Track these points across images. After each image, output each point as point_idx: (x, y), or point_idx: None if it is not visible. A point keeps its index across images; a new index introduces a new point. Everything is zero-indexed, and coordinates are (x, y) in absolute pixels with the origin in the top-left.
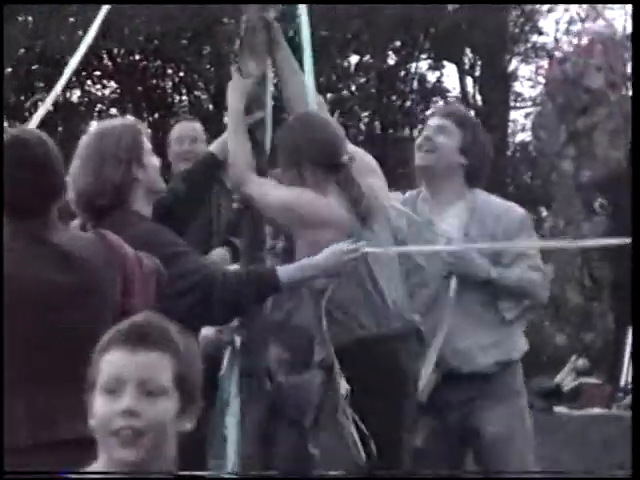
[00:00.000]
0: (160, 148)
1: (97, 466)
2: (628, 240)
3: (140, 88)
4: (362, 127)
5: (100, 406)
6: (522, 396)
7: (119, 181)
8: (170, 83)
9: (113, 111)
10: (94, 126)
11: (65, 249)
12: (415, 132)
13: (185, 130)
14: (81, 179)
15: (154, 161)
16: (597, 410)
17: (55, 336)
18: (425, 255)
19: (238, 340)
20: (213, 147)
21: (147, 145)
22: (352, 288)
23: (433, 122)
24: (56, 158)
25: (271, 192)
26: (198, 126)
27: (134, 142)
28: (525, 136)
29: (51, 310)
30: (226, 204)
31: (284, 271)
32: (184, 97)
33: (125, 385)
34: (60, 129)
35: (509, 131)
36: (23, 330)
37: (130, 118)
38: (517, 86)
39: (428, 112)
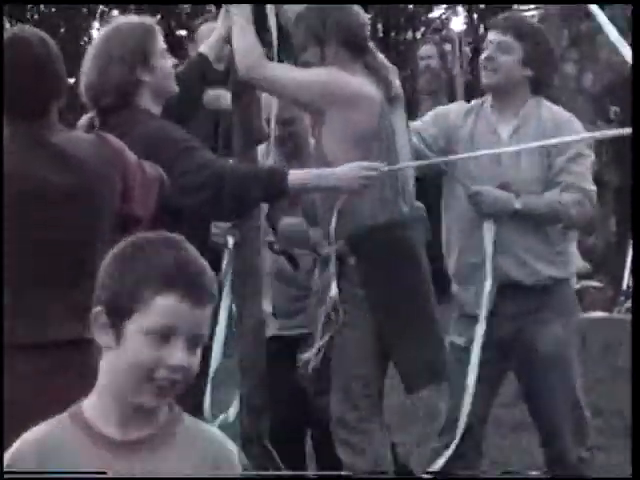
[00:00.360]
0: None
1: (94, 400)
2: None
3: None
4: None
5: (144, 348)
6: (575, 312)
7: (121, 82)
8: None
9: (115, 12)
10: (111, 23)
11: (64, 150)
12: (418, 34)
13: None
14: (88, 77)
15: (165, 63)
16: (598, 313)
17: (50, 237)
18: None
19: (231, 241)
20: (203, 49)
21: (159, 46)
22: None
23: (493, 38)
24: (57, 58)
25: (293, 72)
26: None
27: (141, 43)
28: None
29: (47, 211)
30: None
31: (295, 175)
32: None
33: (177, 336)
34: (62, 30)
35: None
36: (18, 230)
37: (146, 18)
38: None
39: (430, 15)
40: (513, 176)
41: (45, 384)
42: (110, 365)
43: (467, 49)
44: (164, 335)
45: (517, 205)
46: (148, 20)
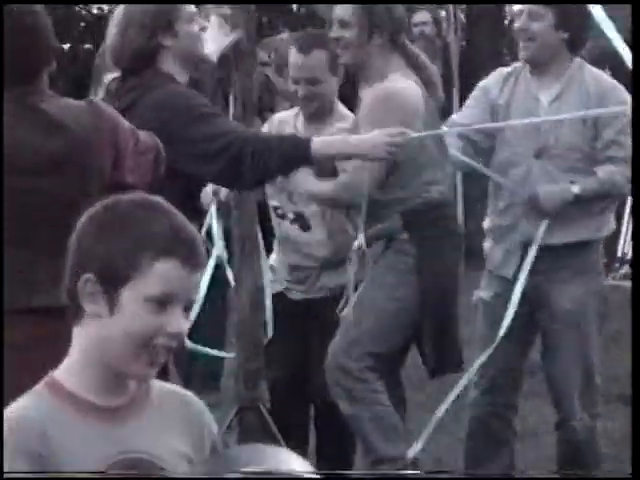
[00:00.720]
0: None
1: (74, 370)
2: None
3: None
4: None
5: (143, 315)
6: (597, 276)
7: (141, 46)
8: None
9: None
10: None
11: (53, 116)
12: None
13: None
14: (110, 39)
15: (191, 28)
16: None
17: (37, 202)
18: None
19: (214, 206)
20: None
21: (185, 11)
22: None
23: (521, 7)
24: (45, 25)
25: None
26: None
27: (164, 8)
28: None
29: (34, 175)
30: None
31: (320, 142)
32: None
33: (175, 302)
34: None
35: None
36: (7, 194)
37: None
38: None
39: None
40: (552, 143)
41: (35, 352)
42: (98, 334)
43: (461, 15)
44: (162, 302)
45: (575, 190)
46: None
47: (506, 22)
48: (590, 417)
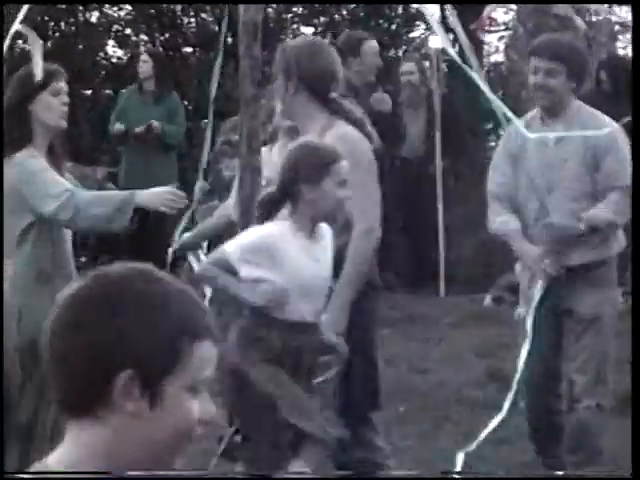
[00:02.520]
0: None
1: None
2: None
3: (152, 11)
4: None
5: (187, 406)
6: (612, 288)
7: None
8: (179, 6)
9: (128, 31)
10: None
11: None
12: (399, 52)
13: None
14: None
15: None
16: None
17: None
18: None
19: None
20: None
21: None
22: None
23: (539, 65)
24: None
25: None
26: None
27: None
28: (498, 57)
29: None
30: None
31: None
32: (192, 19)
33: (203, 387)
34: (80, 47)
35: (484, 52)
36: None
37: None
38: (492, 13)
39: (411, 34)
40: (560, 178)
41: None
42: (138, 434)
43: (444, 65)
44: (197, 388)
45: (582, 227)
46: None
47: (484, 71)
48: (597, 408)
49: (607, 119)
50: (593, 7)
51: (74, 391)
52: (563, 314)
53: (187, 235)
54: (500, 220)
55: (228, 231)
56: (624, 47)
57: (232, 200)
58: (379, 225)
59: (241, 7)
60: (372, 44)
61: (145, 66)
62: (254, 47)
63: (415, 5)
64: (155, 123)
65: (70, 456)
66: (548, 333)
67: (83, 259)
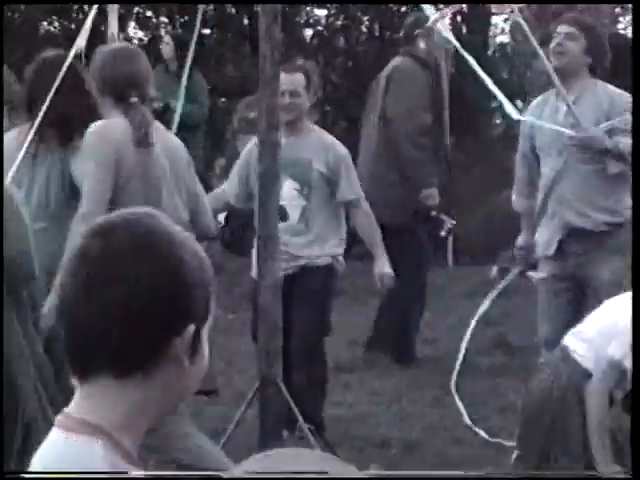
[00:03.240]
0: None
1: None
2: None
3: None
4: (364, 29)
5: (206, 351)
6: (627, 252)
7: None
8: None
9: (149, 13)
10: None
11: None
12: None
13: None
14: None
15: None
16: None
17: None
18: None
19: None
20: None
21: None
22: None
23: (561, 29)
24: None
25: None
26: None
27: None
28: (504, 38)
29: None
30: None
31: None
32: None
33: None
34: (102, 28)
35: (490, 33)
36: None
37: None
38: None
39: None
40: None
41: None
42: (178, 384)
43: (451, 47)
44: None
45: (608, 144)
46: None
47: (489, 52)
48: None
49: (625, 92)
50: None
51: (130, 350)
52: (584, 280)
53: None
54: (515, 199)
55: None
56: (624, 28)
57: (227, 186)
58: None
59: None
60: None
61: (167, 48)
62: (274, 29)
63: None
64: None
65: (118, 416)
66: (565, 299)
67: None
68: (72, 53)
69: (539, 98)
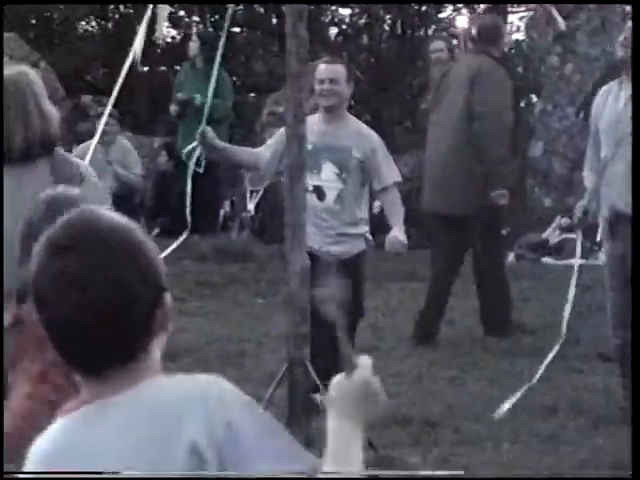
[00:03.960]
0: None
1: None
2: None
3: None
4: (386, 28)
5: None
6: None
7: None
8: None
9: (181, 13)
10: None
11: None
12: (430, 31)
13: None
14: None
15: None
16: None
17: None
18: None
19: None
20: None
21: None
22: None
23: (628, 25)
24: None
25: None
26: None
27: None
28: (520, 35)
29: None
30: None
31: None
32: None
33: None
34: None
35: (507, 31)
36: None
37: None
38: None
39: (440, 15)
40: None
41: None
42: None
43: (470, 43)
44: None
45: None
46: None
47: (506, 49)
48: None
49: None
50: None
51: (130, 338)
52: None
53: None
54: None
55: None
56: None
57: (262, 152)
58: None
59: None
60: None
61: (193, 46)
62: (300, 27)
63: None
64: (198, 98)
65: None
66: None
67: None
68: (130, 58)
69: (605, 87)
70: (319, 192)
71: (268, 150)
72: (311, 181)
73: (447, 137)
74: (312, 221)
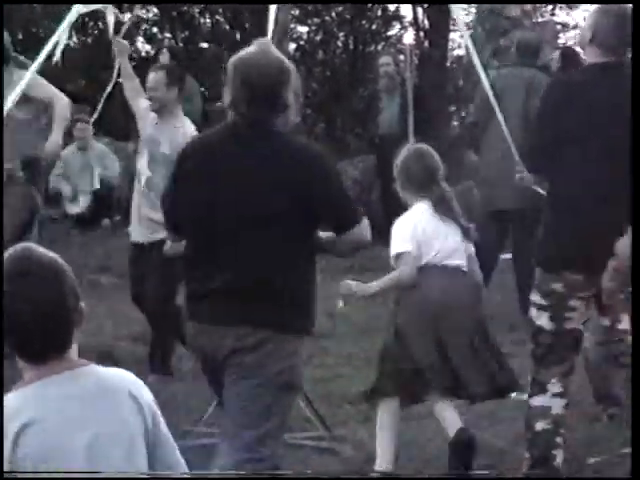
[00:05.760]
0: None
1: None
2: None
3: (175, 13)
4: (339, 44)
5: None
6: None
7: None
8: (197, 9)
9: (154, 30)
10: None
11: None
12: (379, 47)
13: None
14: None
15: None
16: None
17: None
18: None
19: None
20: None
21: None
22: None
23: None
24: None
25: None
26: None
27: None
28: (460, 51)
29: None
30: None
31: None
32: (207, 20)
33: None
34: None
35: (449, 47)
36: None
37: None
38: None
39: (388, 32)
40: None
41: None
42: None
43: (415, 58)
44: None
45: None
46: None
47: (448, 64)
48: None
49: None
50: (539, 10)
51: (64, 328)
52: None
53: None
54: None
55: None
56: (564, 43)
57: None
58: None
59: (272, 8)
60: None
61: (163, 58)
62: (284, 42)
63: (392, 8)
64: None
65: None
66: None
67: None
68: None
69: None
70: None
71: None
72: None
73: (502, 138)
74: None
